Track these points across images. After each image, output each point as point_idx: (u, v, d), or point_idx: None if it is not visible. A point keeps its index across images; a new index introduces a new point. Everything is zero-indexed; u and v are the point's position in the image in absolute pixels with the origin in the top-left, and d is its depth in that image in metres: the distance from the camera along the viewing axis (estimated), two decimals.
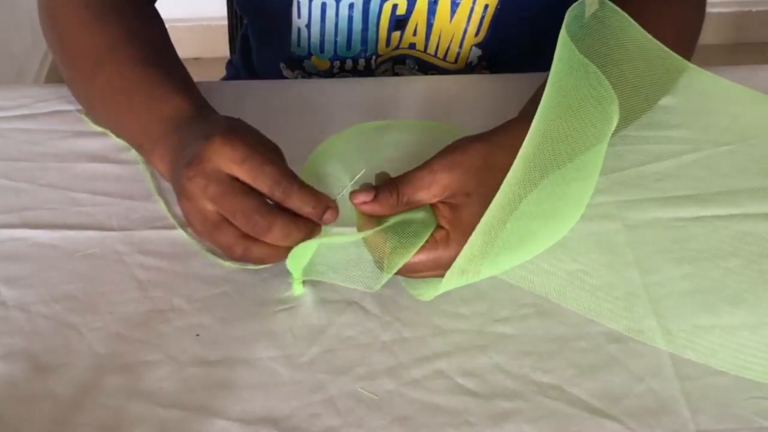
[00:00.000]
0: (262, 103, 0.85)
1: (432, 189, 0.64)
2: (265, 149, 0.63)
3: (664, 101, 0.80)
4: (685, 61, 0.72)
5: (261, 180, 0.61)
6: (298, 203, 0.62)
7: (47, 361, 0.63)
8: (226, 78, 1.12)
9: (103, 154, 0.79)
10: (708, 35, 0.75)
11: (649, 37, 0.68)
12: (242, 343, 0.65)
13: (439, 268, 0.64)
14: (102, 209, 0.74)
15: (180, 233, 0.72)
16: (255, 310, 0.67)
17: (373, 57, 0.93)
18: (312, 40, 0.91)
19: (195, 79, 0.78)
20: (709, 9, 0.86)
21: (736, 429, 0.59)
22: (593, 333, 0.65)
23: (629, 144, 0.78)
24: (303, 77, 0.97)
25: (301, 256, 0.65)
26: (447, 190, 0.64)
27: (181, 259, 0.70)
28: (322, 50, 0.92)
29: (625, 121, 0.73)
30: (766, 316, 0.65)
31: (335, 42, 0.91)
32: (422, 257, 0.64)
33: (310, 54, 0.93)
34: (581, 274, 0.68)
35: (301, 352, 0.64)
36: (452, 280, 0.63)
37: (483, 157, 0.65)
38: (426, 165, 0.65)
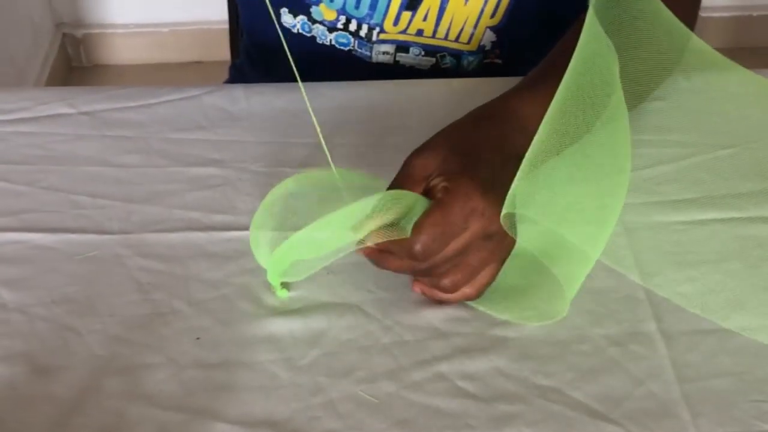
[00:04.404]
0: (269, 105, 0.85)
1: (412, 172, 0.63)
2: None
3: (665, 104, 0.80)
4: (692, 34, 0.71)
5: None
6: None
7: (47, 364, 0.63)
8: (229, 81, 1.12)
9: (102, 156, 0.79)
10: (708, 39, 0.74)
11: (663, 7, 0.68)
12: (242, 346, 0.64)
13: (456, 224, 0.61)
14: (102, 212, 0.74)
15: (179, 235, 0.72)
16: (255, 313, 0.67)
17: (377, 29, 0.93)
18: None
19: (197, 82, 0.78)
20: (709, 13, 0.86)
21: None
22: (594, 336, 0.65)
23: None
24: (304, 26, 0.96)
25: (278, 265, 0.65)
26: (425, 170, 0.63)
27: (181, 261, 0.70)
28: None
29: (647, 86, 0.73)
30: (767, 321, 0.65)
31: None
32: (435, 214, 0.61)
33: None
34: None
35: (301, 355, 0.64)
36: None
37: (446, 135, 0.66)
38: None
